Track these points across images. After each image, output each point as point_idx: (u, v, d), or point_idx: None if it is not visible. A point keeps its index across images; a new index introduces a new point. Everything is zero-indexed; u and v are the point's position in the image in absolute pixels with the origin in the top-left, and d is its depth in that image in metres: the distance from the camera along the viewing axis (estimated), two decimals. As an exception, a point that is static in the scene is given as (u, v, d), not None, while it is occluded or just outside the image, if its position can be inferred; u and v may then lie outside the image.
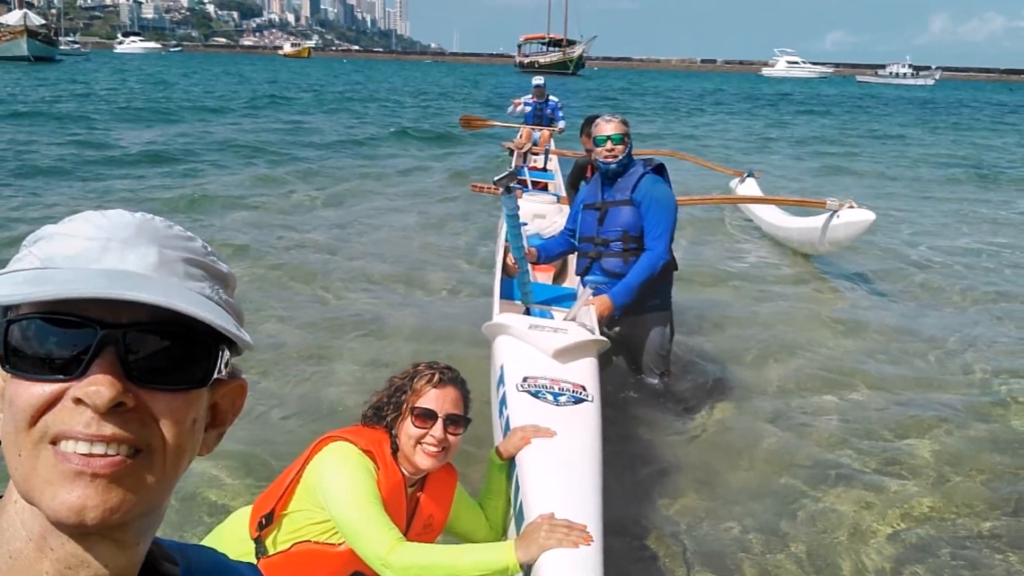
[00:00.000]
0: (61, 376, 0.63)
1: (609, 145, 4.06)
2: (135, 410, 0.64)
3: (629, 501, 3.40)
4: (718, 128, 24.99)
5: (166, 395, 0.66)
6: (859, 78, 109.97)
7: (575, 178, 6.67)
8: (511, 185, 3.60)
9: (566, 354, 3.07)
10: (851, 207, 6.93)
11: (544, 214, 6.11)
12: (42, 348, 0.63)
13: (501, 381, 2.95)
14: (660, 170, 4.19)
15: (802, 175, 14.64)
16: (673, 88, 59.64)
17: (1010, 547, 3.21)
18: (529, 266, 4.13)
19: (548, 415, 2.65)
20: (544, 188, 7.74)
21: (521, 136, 9.20)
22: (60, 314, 0.64)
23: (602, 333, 3.51)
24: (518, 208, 3.78)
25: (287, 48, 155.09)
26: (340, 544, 2.02)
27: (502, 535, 2.43)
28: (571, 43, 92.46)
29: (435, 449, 2.09)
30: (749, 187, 9.85)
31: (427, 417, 2.10)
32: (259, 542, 2.09)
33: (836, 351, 5.42)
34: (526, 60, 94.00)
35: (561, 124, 10.75)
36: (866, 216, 6.77)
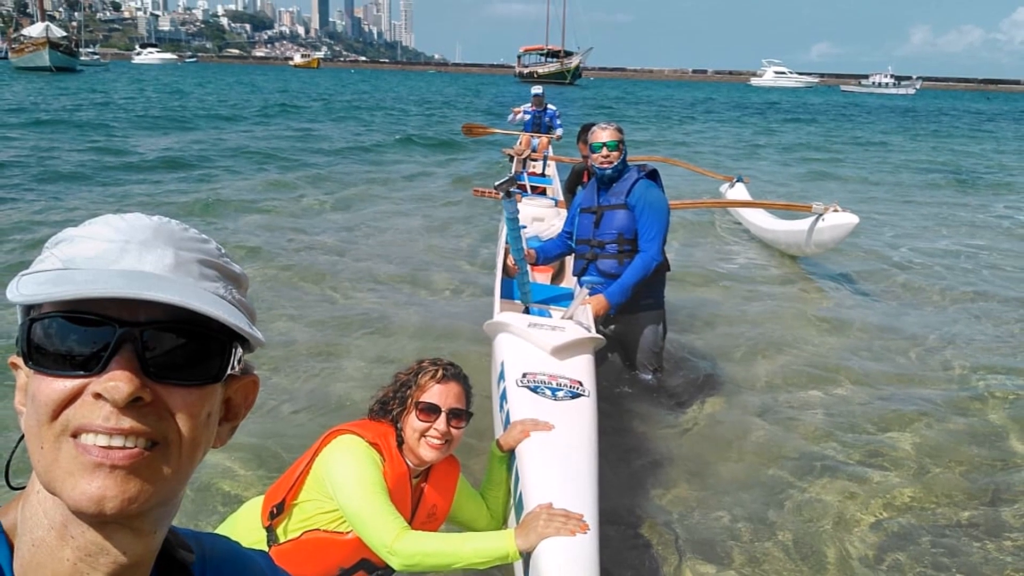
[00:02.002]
0: (81, 372, 0.63)
1: (605, 151, 4.05)
2: (152, 404, 0.64)
3: (624, 491, 3.39)
4: (709, 135, 24.97)
5: (182, 390, 0.66)
6: (843, 87, 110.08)
7: (572, 183, 6.67)
8: (511, 190, 3.60)
9: (564, 351, 3.07)
10: (836, 211, 6.93)
11: (543, 217, 6.11)
12: (63, 345, 0.63)
13: (502, 377, 2.95)
14: (653, 175, 4.18)
15: (789, 180, 14.63)
16: (666, 97, 59.62)
17: (987, 535, 3.21)
18: (528, 267, 4.13)
19: (546, 409, 2.65)
20: (543, 192, 7.74)
21: (520, 143, 9.19)
22: (80, 313, 0.64)
23: (598, 331, 3.51)
24: (518, 212, 3.78)
25: (297, 59, 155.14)
26: (348, 532, 2.02)
27: (503, 524, 2.43)
28: (568, 54, 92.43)
29: (439, 442, 2.09)
30: (738, 192, 9.85)
31: (431, 411, 2.10)
32: (270, 530, 2.09)
33: (821, 348, 5.42)
34: (525, 70, 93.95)
35: (559, 131, 10.74)
36: (850, 219, 6.76)
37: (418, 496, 2.16)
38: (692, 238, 8.92)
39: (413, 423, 2.10)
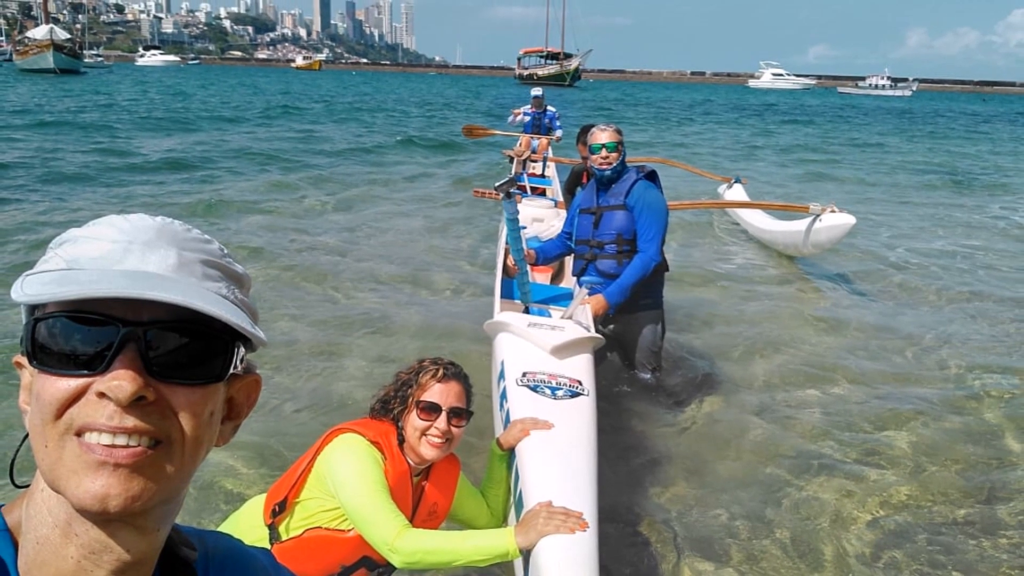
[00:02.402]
0: (85, 371, 0.63)
1: (604, 153, 4.05)
2: (155, 403, 0.64)
3: (623, 489, 3.39)
4: (707, 137, 24.98)
5: (185, 389, 0.66)
6: (840, 89, 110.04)
7: (571, 184, 6.67)
8: (511, 191, 3.60)
9: (563, 350, 3.07)
10: (833, 211, 6.93)
11: (542, 218, 6.11)
12: (67, 345, 0.63)
13: (502, 376, 2.95)
14: (652, 176, 4.18)
15: (786, 181, 14.63)
16: (664, 99, 59.61)
17: (983, 533, 3.21)
18: (528, 267, 4.13)
19: (546, 408, 2.65)
20: (542, 193, 7.73)
21: (520, 144, 9.18)
22: (84, 312, 0.64)
23: (597, 331, 3.51)
24: (518, 212, 3.78)
25: (299, 61, 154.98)
26: (349, 530, 2.02)
27: (503, 522, 2.43)
28: (568, 56, 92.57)
29: (439, 440, 2.09)
30: (736, 192, 9.85)
31: (432, 410, 2.10)
32: (273, 528, 2.09)
33: (819, 347, 5.42)
34: (525, 72, 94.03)
35: (558, 133, 10.74)
36: (847, 220, 6.76)
37: (419, 494, 2.16)
38: (690, 238, 8.92)
39: (414, 422, 2.10)
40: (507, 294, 4.42)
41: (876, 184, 14.57)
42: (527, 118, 11.02)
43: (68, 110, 23.60)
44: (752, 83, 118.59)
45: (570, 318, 3.47)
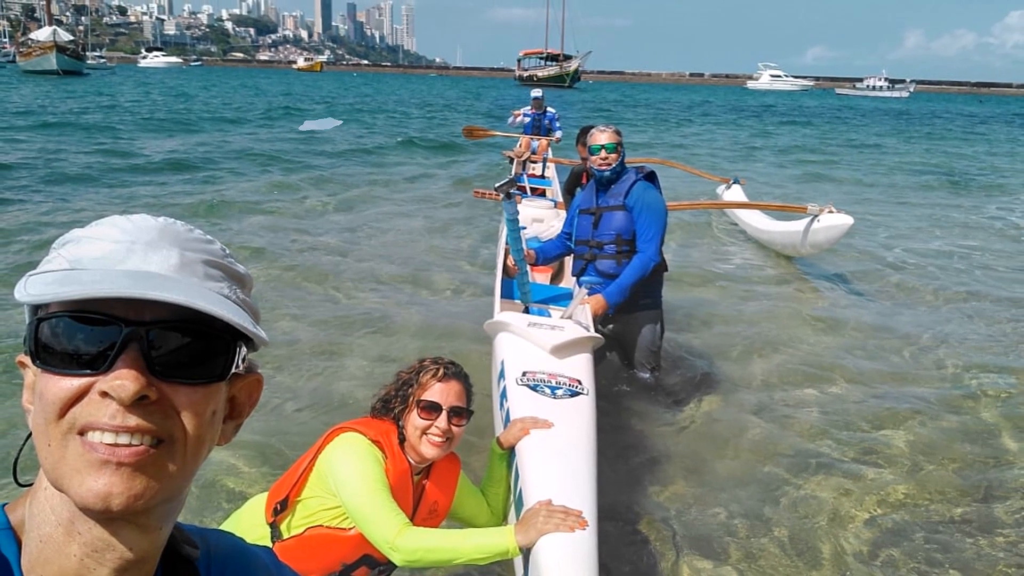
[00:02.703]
0: (88, 371, 0.63)
1: (603, 154, 4.05)
2: (158, 403, 0.64)
3: (622, 488, 3.39)
4: (705, 138, 24.97)
5: (187, 388, 0.66)
6: (838, 91, 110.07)
7: (571, 185, 6.66)
8: (511, 191, 3.60)
9: (563, 350, 3.07)
10: (831, 212, 6.93)
11: (542, 218, 6.11)
12: (70, 344, 0.63)
13: (502, 375, 2.95)
14: (651, 177, 4.18)
15: (784, 182, 14.63)
16: (663, 100, 59.60)
17: (980, 531, 3.21)
18: (528, 267, 4.13)
19: (546, 407, 2.65)
20: (542, 194, 7.73)
21: (520, 145, 9.18)
22: (87, 312, 0.64)
23: (597, 330, 3.51)
24: (518, 213, 3.78)
25: (300, 62, 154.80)
26: (350, 529, 2.02)
27: (503, 520, 2.43)
28: (567, 58, 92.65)
29: (440, 439, 2.09)
30: (735, 193, 9.85)
31: (432, 409, 2.10)
32: (274, 527, 2.09)
33: (817, 347, 5.42)
34: (525, 74, 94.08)
35: (558, 134, 10.74)
36: (845, 220, 6.76)
37: (419, 493, 2.16)
38: (689, 239, 8.92)
39: (415, 421, 2.10)
40: (507, 294, 4.42)
41: (874, 185, 14.57)
42: (527, 119, 11.02)
43: (71, 111, 23.59)
44: (750, 84, 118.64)
45: (570, 318, 3.47)
